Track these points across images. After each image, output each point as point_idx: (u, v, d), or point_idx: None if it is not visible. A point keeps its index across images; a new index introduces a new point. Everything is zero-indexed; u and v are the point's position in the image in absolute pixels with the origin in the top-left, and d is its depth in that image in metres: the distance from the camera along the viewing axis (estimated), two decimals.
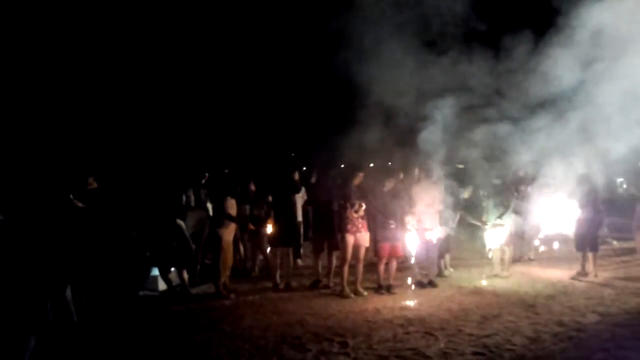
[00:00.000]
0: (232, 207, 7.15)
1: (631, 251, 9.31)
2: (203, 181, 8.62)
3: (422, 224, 7.38)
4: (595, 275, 7.76)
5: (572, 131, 7.09)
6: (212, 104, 18.87)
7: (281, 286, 7.50)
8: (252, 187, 8.50)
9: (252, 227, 8.16)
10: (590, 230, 7.88)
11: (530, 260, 9.18)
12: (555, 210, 8.45)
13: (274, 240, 7.67)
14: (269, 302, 6.82)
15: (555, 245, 9.60)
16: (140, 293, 7.11)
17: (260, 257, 8.55)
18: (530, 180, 8.65)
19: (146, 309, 6.51)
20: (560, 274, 8.06)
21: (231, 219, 7.16)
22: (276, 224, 7.58)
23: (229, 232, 7.12)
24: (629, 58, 6.22)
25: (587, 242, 7.90)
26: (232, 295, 6.98)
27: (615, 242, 10.60)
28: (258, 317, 6.10)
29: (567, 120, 7.09)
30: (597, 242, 8.03)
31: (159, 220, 7.10)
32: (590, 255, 7.89)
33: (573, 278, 7.82)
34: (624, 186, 11.87)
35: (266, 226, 7.86)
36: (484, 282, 7.71)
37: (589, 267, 7.87)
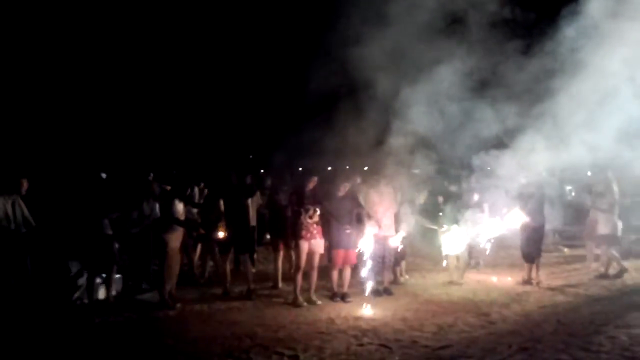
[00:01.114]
0: (179, 211, 6.75)
1: (582, 259, 9.44)
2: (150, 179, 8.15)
3: (382, 230, 7.20)
4: (538, 283, 7.79)
5: (521, 138, 7.11)
6: (172, 104, 18.30)
7: (231, 294, 7.15)
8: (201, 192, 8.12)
9: (202, 231, 7.76)
10: (534, 238, 7.91)
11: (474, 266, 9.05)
12: (500, 217, 8.38)
13: (225, 245, 7.31)
14: (218, 311, 6.46)
15: (501, 251, 9.57)
16: (78, 302, 6.64)
17: (211, 263, 8.17)
18: (474, 187, 8.59)
19: (82, 320, 6.02)
20: (514, 282, 8.06)
21: (179, 223, 6.76)
22: (228, 229, 7.23)
23: (176, 238, 6.71)
24: (581, 67, 6.27)
25: (531, 249, 7.93)
26: (178, 305, 6.57)
27: (566, 250, 10.79)
28: (204, 329, 5.72)
29: (517, 127, 7.11)
30: (540, 249, 8.06)
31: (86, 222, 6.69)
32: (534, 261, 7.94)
33: (518, 283, 7.88)
34: (573, 194, 12.14)
35: (218, 231, 7.49)
36: (439, 290, 7.60)
37: (533, 273, 7.92)
